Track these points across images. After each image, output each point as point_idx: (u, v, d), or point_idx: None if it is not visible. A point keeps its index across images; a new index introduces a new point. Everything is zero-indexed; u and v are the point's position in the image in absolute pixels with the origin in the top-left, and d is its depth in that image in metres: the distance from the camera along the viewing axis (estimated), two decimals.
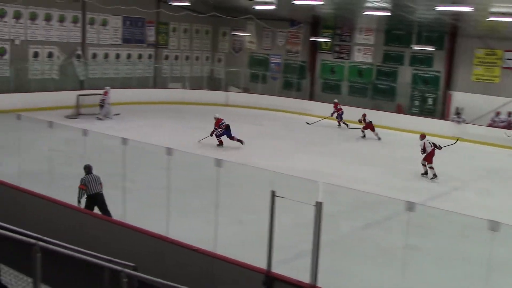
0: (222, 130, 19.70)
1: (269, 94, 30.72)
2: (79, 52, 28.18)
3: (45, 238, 6.41)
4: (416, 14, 24.32)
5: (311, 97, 31.53)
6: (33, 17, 26.12)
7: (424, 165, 17.30)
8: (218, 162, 8.50)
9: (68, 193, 10.97)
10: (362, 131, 23.90)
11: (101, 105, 24.00)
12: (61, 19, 27.27)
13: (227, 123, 19.74)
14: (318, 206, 7.05)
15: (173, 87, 31.42)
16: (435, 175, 16.97)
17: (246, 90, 32.58)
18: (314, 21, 31.50)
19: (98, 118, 23.52)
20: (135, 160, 12.14)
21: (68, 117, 23.20)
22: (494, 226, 6.78)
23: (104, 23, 29.34)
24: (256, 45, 34.41)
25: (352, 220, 12.98)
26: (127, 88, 28.74)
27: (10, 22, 25.37)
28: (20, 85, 25.31)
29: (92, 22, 28.72)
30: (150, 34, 31.80)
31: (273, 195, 7.39)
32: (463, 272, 10.17)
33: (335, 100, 27.06)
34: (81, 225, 9.81)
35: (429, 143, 17.33)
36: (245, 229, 11.39)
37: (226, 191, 9.35)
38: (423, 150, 17.17)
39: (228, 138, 19.76)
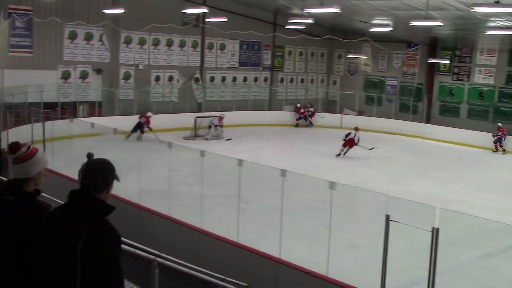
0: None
1: (385, 117, 30.21)
2: (198, 75, 29.18)
3: (163, 254, 6.64)
4: None
5: (428, 120, 30.66)
6: (156, 43, 27.41)
7: None
8: (332, 185, 8.46)
9: (185, 212, 11.31)
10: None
11: (210, 127, 24.68)
12: (182, 44, 28.42)
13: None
14: (435, 232, 6.83)
15: (288, 109, 31.72)
16: None
17: (361, 113, 32.27)
18: (431, 42, 30.74)
19: (206, 139, 24.16)
20: (250, 181, 12.33)
21: (186, 138, 24.00)
22: None
23: (222, 47, 30.23)
24: (371, 67, 34.06)
25: (471, 248, 12.41)
26: (243, 111, 29.38)
27: (135, 48, 26.77)
28: (143, 107, 26.57)
29: (210, 47, 29.70)
30: (266, 57, 32.37)
31: (388, 219, 7.26)
32: None
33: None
34: (197, 243, 10.08)
35: None
36: (358, 253, 11.20)
37: (339, 214, 9.28)
38: None
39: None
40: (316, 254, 9.12)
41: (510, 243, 12.13)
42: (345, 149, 22.28)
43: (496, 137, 25.44)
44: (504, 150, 25.12)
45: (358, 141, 22.10)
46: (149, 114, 23.64)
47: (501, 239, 12.66)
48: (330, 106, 33.66)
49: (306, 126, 29.64)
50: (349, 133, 22.44)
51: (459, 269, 10.92)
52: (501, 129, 25.43)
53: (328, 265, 8.46)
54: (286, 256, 8.88)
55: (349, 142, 22.38)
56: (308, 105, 30.55)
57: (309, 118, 30.09)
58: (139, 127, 22.55)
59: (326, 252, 8.62)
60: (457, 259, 11.21)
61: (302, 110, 29.48)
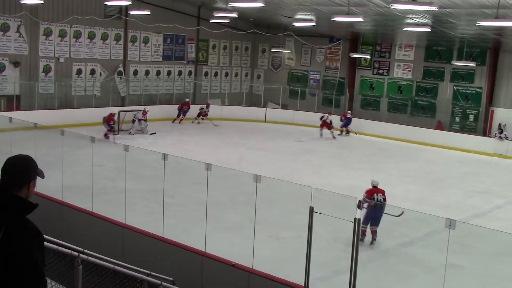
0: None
1: (308, 111, 30.68)
2: (121, 69, 28.69)
3: (87, 251, 6.53)
4: (458, 30, 24.07)
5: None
6: (77, 35, 26.73)
7: None
8: (257, 178, 8.53)
9: (109, 207, 11.14)
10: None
11: (134, 120, 24.41)
12: (104, 37, 27.84)
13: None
14: (357, 222, 7.02)
15: (213, 103, 31.69)
16: None
17: (284, 107, 32.65)
18: (353, 38, 31.44)
19: (130, 133, 23.87)
20: (175, 175, 12.26)
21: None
22: None
23: (146, 41, 29.83)
24: (295, 61, 34.49)
25: (392, 237, 12.82)
26: (167, 105, 29.15)
27: (55, 40, 26.01)
28: (63, 101, 25.91)
29: (133, 40, 29.24)
30: (190, 51, 32.18)
31: (312, 211, 7.40)
32: None
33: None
34: (121, 239, 9.96)
35: None
36: (283, 245, 11.36)
37: (264, 207, 9.37)
38: None
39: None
40: (242, 247, 9.19)
41: (427, 231, 12.62)
42: (321, 131, 26.43)
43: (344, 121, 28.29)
44: (347, 132, 28.15)
45: (331, 123, 26.66)
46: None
47: (419, 228, 13.16)
48: (254, 100, 33.87)
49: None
50: (323, 116, 26.76)
51: (380, 257, 11.26)
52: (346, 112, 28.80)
53: (253, 258, 8.54)
54: (211, 250, 8.91)
55: (324, 124, 26.66)
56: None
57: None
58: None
59: (251, 244, 8.70)
60: (378, 248, 11.56)
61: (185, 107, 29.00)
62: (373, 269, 9.93)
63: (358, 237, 7.06)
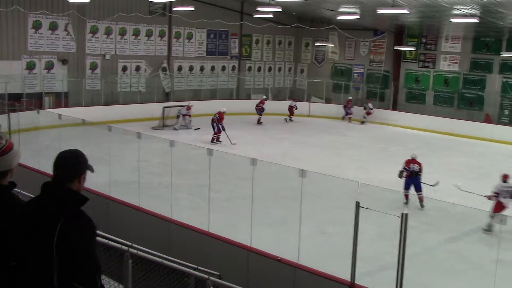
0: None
1: (353, 105, 30.44)
2: (165, 65, 29.00)
3: (135, 245, 6.63)
4: (507, 20, 23.49)
5: (395, 107, 31.02)
6: (123, 32, 27.12)
7: None
8: (303, 173, 8.52)
9: (155, 202, 11.29)
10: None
11: (178, 116, 24.60)
12: (148, 34, 28.18)
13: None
14: (404, 217, 6.95)
15: (256, 98, 31.73)
16: None
17: (328, 101, 32.47)
18: (398, 30, 31.02)
19: (174, 129, 24.08)
20: (220, 170, 12.35)
21: (154, 128, 23.86)
22: None
23: (189, 37, 30.06)
24: (338, 55, 34.24)
25: (439, 232, 12.64)
26: (211, 100, 29.35)
27: (101, 38, 26.46)
28: (110, 98, 26.35)
29: (177, 36, 29.50)
30: (234, 46, 32.29)
31: (358, 206, 7.35)
32: None
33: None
34: (167, 233, 10.07)
35: None
36: (329, 241, 11.33)
37: (310, 201, 9.36)
38: None
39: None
40: (288, 242, 9.19)
41: (473, 227, 12.40)
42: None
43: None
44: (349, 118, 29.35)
45: (296, 108, 28.61)
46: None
47: (465, 223, 12.94)
48: (298, 94, 33.76)
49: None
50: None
51: (426, 253, 11.12)
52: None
53: (299, 253, 8.54)
54: (257, 245, 8.94)
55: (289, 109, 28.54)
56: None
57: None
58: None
59: (296, 239, 8.70)
60: (425, 243, 11.41)
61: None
62: (419, 265, 9.81)
63: (405, 233, 6.98)
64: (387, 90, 31.67)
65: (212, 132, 21.80)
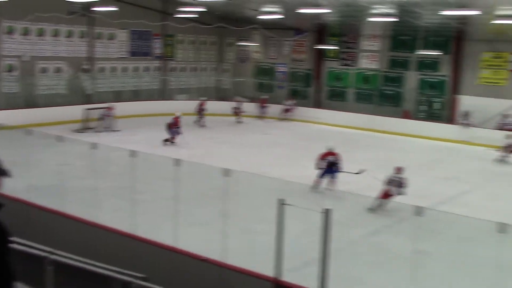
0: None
1: (275, 103, 30.78)
2: (86, 66, 28.40)
3: (56, 251, 6.49)
4: (422, 19, 24.35)
5: (317, 105, 31.59)
6: (41, 33, 26.36)
7: None
8: (226, 172, 8.56)
9: (78, 206, 11.06)
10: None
11: (101, 118, 24.17)
12: (69, 34, 27.51)
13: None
14: (326, 213, 7.09)
15: (180, 98, 31.58)
16: None
17: (252, 100, 32.66)
18: (319, 29, 31.57)
19: (98, 131, 23.63)
20: (144, 172, 12.23)
21: (76, 131, 23.32)
22: (502, 228, 6.82)
23: (111, 37, 29.56)
24: (261, 54, 34.53)
25: (361, 226, 12.98)
26: (134, 101, 29.00)
27: (18, 38, 25.62)
28: (28, 100, 25.56)
29: (99, 37, 28.95)
30: (157, 46, 32.00)
31: (281, 203, 7.45)
32: (473, 275, 10.16)
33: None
34: (91, 238, 9.90)
35: None
36: (254, 239, 11.41)
37: (234, 200, 9.41)
38: None
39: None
40: (214, 242, 9.21)
41: (396, 219, 12.82)
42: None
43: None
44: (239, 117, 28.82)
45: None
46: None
47: (387, 216, 13.36)
48: (222, 94, 33.81)
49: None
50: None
51: (350, 247, 11.39)
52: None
53: (225, 252, 8.58)
54: (182, 245, 8.92)
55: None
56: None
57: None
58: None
59: (222, 239, 8.74)
60: (348, 237, 11.68)
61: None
62: (343, 259, 10.03)
63: (328, 228, 7.14)
64: (310, 88, 32.20)
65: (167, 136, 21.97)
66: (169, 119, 22.05)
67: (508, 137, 21.82)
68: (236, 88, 33.53)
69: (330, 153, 15.61)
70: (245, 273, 8.09)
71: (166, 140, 21.62)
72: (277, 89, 33.29)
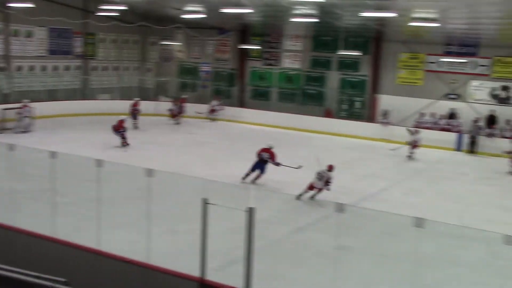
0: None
1: (199, 103, 30.71)
2: (2, 64, 27.40)
3: None
4: (342, 20, 24.88)
5: (241, 104, 31.77)
6: None
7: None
8: (149, 172, 8.49)
9: None
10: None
11: (19, 119, 23.39)
12: None
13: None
14: (250, 211, 7.15)
15: (102, 98, 31.00)
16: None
17: (176, 99, 32.43)
18: (242, 29, 31.74)
19: (16, 132, 22.85)
20: (65, 173, 11.93)
21: None
22: (419, 223, 7.08)
23: (29, 35, 28.64)
24: (185, 54, 34.37)
25: (285, 224, 13.15)
26: (54, 101, 28.20)
27: None
28: None
29: (16, 34, 27.99)
30: (77, 45, 31.24)
31: (205, 202, 7.46)
32: (392, 269, 10.48)
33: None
34: (9, 242, 9.59)
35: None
36: (179, 239, 11.37)
37: (158, 201, 9.33)
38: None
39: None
40: (138, 243, 9.11)
41: (319, 216, 13.07)
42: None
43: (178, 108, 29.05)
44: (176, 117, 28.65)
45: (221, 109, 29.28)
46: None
47: (311, 213, 13.60)
48: (145, 94, 33.38)
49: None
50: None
51: (274, 245, 11.53)
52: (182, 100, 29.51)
53: (150, 253, 8.51)
54: (106, 248, 8.78)
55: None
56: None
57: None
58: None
59: (146, 240, 8.66)
60: (272, 236, 11.82)
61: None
62: (267, 257, 10.16)
63: (252, 226, 7.20)
64: (234, 88, 32.33)
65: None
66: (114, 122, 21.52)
67: (411, 133, 22.64)
68: (160, 88, 33.25)
69: (266, 150, 16.63)
70: (170, 274, 8.05)
71: (123, 144, 21.14)
72: (201, 89, 33.23)
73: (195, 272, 7.79)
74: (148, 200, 8.71)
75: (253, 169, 16.39)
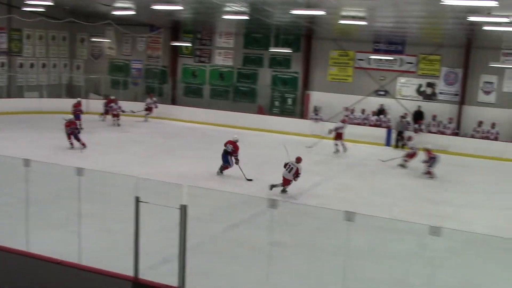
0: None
1: (131, 100, 30.31)
2: None
3: None
4: (273, 18, 25.07)
5: (173, 102, 31.60)
6: None
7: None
8: (80, 171, 8.34)
9: None
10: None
11: None
12: None
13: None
14: (183, 209, 7.14)
15: (30, 96, 30.14)
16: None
17: (107, 97, 31.89)
18: (174, 26, 31.53)
19: None
20: None
21: None
22: (350, 216, 7.23)
23: None
24: (115, 51, 33.85)
25: (219, 221, 13.16)
26: None
27: None
28: None
29: None
30: (2, 41, 30.24)
31: (137, 200, 7.40)
32: (325, 262, 10.66)
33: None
34: None
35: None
36: (112, 238, 11.21)
37: (91, 200, 9.18)
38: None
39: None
40: (69, 244, 8.93)
41: (253, 213, 13.13)
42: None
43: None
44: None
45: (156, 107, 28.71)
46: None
47: (245, 210, 13.66)
48: (74, 91, 32.67)
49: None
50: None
51: (209, 242, 11.53)
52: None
53: (81, 253, 8.37)
54: (35, 249, 8.56)
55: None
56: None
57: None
58: None
59: (78, 240, 8.51)
60: (206, 233, 11.82)
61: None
62: (202, 254, 10.16)
63: (185, 224, 7.20)
64: (166, 85, 32.08)
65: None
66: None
67: (331, 131, 23.05)
68: (90, 85, 32.62)
69: (230, 142, 17.48)
70: (103, 274, 7.93)
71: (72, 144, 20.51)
72: (133, 86, 32.81)
73: (129, 271, 7.71)
74: (80, 199, 8.55)
75: (223, 161, 17.28)
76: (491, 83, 25.86)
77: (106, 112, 27.77)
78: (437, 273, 9.78)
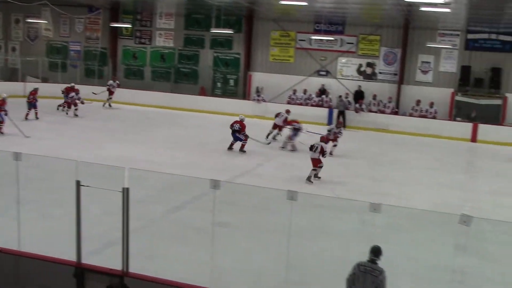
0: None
1: (70, 83, 29.63)
2: None
3: None
4: None
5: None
6: None
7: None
8: (17, 156, 8.16)
9: None
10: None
11: None
12: None
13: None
14: (125, 192, 7.11)
15: None
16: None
17: (45, 80, 31.16)
18: (113, 7, 30.98)
19: None
20: None
21: None
22: (292, 196, 7.35)
23: None
24: (53, 32, 33.02)
25: (162, 203, 13.13)
26: None
27: None
28: None
29: None
30: None
31: (78, 184, 7.32)
32: (268, 241, 10.79)
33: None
34: None
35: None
36: (53, 223, 11.03)
37: (31, 185, 9.01)
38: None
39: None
40: (8, 230, 8.75)
41: (196, 194, 13.14)
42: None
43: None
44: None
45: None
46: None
47: (187, 191, 13.65)
48: (11, 74, 31.77)
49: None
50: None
51: (152, 225, 11.50)
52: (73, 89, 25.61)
53: (21, 239, 8.21)
54: None
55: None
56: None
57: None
58: None
59: (18, 226, 8.34)
60: (148, 216, 11.77)
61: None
62: (145, 236, 10.13)
63: (127, 207, 7.16)
64: (106, 67, 31.56)
65: None
66: None
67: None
68: (27, 68, 31.73)
69: (237, 122, 18.90)
70: (45, 260, 7.82)
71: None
72: (71, 69, 32.11)
73: (71, 256, 7.63)
74: (18, 185, 8.37)
75: (234, 139, 18.80)
76: (428, 62, 26.51)
77: (68, 104, 25.17)
78: None
